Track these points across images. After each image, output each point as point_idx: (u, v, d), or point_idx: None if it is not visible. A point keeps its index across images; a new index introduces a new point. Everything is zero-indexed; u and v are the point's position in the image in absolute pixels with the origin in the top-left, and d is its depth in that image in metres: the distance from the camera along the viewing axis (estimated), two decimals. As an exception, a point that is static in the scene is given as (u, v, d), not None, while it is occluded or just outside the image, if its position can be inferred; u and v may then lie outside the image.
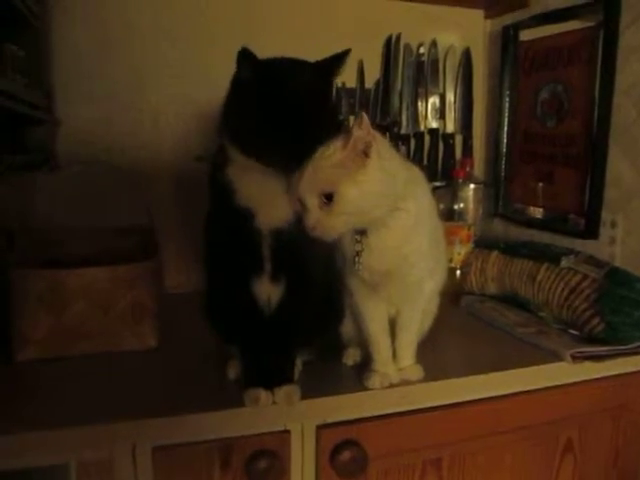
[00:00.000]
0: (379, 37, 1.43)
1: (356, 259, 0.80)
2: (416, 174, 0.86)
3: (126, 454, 0.77)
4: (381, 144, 0.76)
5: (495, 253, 1.22)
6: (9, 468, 0.73)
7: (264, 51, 1.32)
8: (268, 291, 0.83)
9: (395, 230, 0.79)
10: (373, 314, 0.87)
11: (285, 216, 0.80)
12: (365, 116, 0.72)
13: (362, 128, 0.72)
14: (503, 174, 1.43)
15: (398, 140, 1.44)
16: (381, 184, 0.75)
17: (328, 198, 0.73)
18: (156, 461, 0.78)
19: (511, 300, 1.18)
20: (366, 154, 0.73)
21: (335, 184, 0.73)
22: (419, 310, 0.89)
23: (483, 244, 1.28)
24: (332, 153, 0.73)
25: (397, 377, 0.87)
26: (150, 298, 0.97)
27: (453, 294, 1.23)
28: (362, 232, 0.80)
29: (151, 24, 1.27)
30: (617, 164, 1.14)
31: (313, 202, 0.74)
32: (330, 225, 0.74)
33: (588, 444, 1.01)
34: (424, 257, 0.83)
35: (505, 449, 0.96)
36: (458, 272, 1.29)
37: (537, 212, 1.37)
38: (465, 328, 1.13)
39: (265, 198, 0.79)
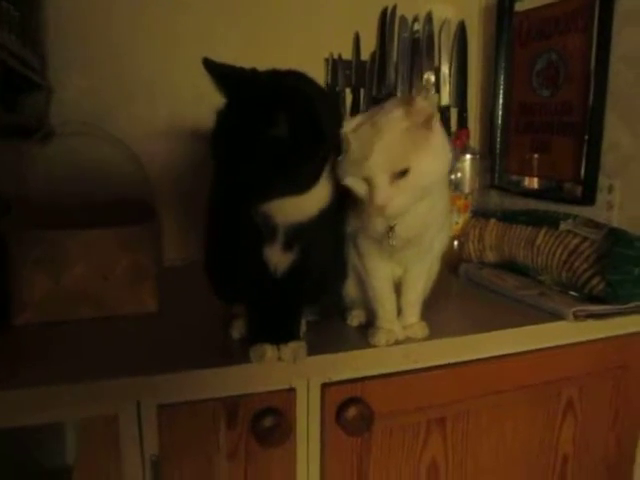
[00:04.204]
0: (375, 8, 1.42)
1: (390, 234, 0.78)
2: None
3: (131, 412, 0.76)
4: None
5: (493, 221, 1.22)
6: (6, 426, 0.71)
7: (260, 25, 1.32)
8: (278, 257, 0.80)
9: (428, 199, 0.77)
10: (380, 273, 0.87)
11: (304, 213, 0.77)
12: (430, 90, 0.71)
13: (426, 100, 0.70)
14: (498, 146, 1.44)
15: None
16: (446, 156, 0.74)
17: (400, 174, 0.70)
18: (161, 419, 0.77)
19: (510, 267, 1.18)
20: (427, 127, 0.71)
21: (410, 158, 0.70)
22: (426, 268, 0.89)
23: (481, 213, 1.29)
24: (396, 124, 0.70)
25: (402, 334, 0.87)
26: (150, 261, 0.96)
27: (451, 263, 1.22)
28: None
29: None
30: (614, 129, 1.15)
31: (384, 179, 0.71)
32: (400, 202, 0.72)
33: (588, 404, 1.02)
34: (439, 218, 0.83)
35: (508, 408, 0.96)
36: (455, 242, 1.29)
37: (533, 182, 1.37)
38: (465, 294, 1.13)
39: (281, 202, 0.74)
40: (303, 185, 0.72)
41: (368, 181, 0.72)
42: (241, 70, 0.71)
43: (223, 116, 0.69)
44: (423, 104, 0.71)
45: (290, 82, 0.70)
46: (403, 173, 0.70)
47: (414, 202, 0.74)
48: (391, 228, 0.78)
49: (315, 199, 0.76)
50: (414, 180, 0.71)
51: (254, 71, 0.72)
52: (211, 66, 0.70)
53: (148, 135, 1.27)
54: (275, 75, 0.72)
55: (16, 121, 0.94)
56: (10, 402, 0.71)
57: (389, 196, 0.71)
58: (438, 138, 0.73)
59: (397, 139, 0.70)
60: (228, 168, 0.69)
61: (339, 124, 0.76)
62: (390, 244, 0.79)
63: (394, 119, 0.71)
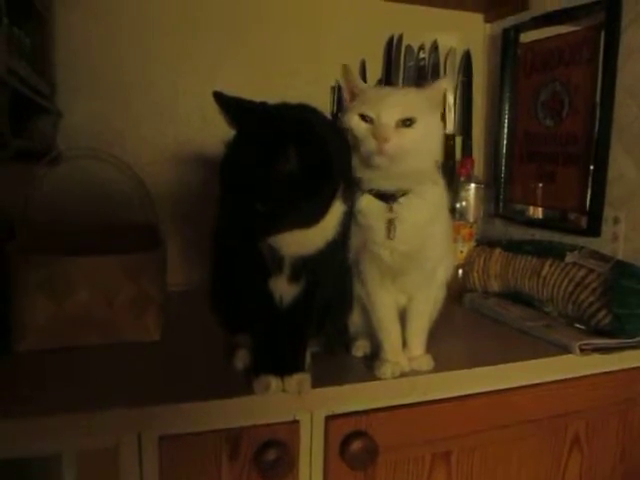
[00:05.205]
0: (381, 38, 1.44)
1: (391, 227, 0.81)
2: None
3: (131, 443, 0.75)
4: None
5: (498, 250, 1.22)
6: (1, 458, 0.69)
7: (267, 53, 1.34)
8: (284, 289, 0.80)
9: (426, 203, 0.82)
10: (385, 302, 0.87)
11: (311, 246, 0.77)
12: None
13: (448, 83, 0.82)
14: (503, 175, 1.44)
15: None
16: (441, 134, 0.83)
17: (405, 123, 0.77)
18: (162, 451, 0.76)
19: (514, 297, 1.17)
20: (438, 106, 0.84)
21: (418, 112, 0.78)
22: (430, 298, 0.89)
23: (485, 242, 1.28)
24: (413, 89, 0.84)
25: (408, 366, 0.86)
26: (155, 289, 0.96)
27: (455, 293, 1.21)
28: (393, 199, 0.81)
29: (155, 18, 1.27)
30: (619, 161, 1.15)
31: (391, 120, 0.77)
32: (399, 143, 0.76)
33: (595, 438, 1.01)
34: (441, 242, 0.86)
35: (514, 442, 0.95)
36: (460, 271, 1.28)
37: (538, 212, 1.37)
38: (470, 324, 1.13)
39: (288, 235, 0.74)
40: (311, 219, 0.72)
41: (374, 121, 0.77)
42: (251, 103, 0.72)
43: (232, 149, 0.69)
44: (442, 85, 0.83)
45: (300, 116, 0.70)
46: (408, 124, 0.77)
47: (407, 154, 0.78)
48: (390, 221, 0.81)
49: (322, 232, 0.76)
50: (416, 132, 0.78)
51: (264, 104, 0.72)
52: (221, 99, 0.70)
53: (155, 160, 1.28)
54: (285, 109, 0.73)
55: (24, 146, 0.94)
56: (7, 432, 0.70)
57: (392, 135, 0.76)
58: (439, 119, 0.84)
59: (411, 97, 0.81)
60: (237, 201, 0.69)
61: (349, 158, 0.76)
62: (391, 237, 0.81)
63: (412, 88, 0.86)
